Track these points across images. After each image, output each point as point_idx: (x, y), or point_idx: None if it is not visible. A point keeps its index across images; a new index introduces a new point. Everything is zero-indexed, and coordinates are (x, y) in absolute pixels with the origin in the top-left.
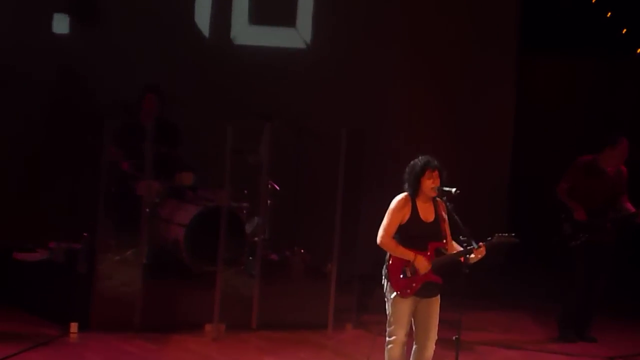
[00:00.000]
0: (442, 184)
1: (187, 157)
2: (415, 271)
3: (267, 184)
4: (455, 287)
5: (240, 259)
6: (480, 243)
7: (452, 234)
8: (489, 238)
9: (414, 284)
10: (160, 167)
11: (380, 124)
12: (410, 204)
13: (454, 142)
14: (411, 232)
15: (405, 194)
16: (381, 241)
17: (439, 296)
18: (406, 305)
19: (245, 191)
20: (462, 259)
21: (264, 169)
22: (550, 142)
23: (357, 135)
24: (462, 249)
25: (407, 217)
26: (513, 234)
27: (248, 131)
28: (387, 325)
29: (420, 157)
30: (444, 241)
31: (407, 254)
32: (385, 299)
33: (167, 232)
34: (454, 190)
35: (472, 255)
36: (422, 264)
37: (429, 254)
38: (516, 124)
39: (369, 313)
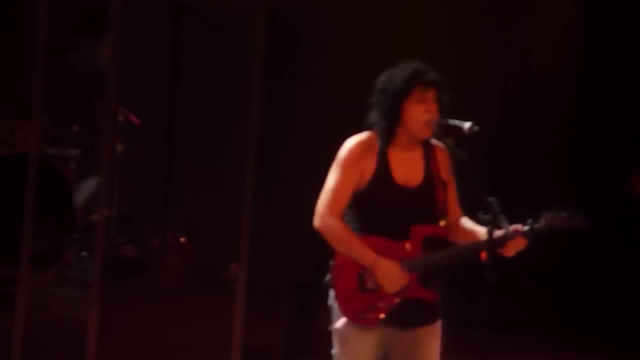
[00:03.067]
0: (444, 115)
1: None
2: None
3: (117, 111)
4: (474, 310)
5: (64, 255)
6: (517, 227)
7: (467, 209)
8: (531, 221)
9: (380, 303)
10: None
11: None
12: (375, 152)
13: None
14: (376, 205)
15: (366, 134)
16: (321, 222)
17: (436, 324)
18: (367, 342)
19: (75, 127)
20: (482, 254)
21: (109, 83)
22: None
23: (288, 22)
24: (481, 232)
25: (368, 176)
26: (576, 213)
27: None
28: None
29: (399, 64)
30: (442, 222)
31: (361, 254)
32: (331, 329)
33: None
34: (467, 125)
35: (507, 246)
36: (388, 275)
37: (409, 246)
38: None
39: (310, 357)
